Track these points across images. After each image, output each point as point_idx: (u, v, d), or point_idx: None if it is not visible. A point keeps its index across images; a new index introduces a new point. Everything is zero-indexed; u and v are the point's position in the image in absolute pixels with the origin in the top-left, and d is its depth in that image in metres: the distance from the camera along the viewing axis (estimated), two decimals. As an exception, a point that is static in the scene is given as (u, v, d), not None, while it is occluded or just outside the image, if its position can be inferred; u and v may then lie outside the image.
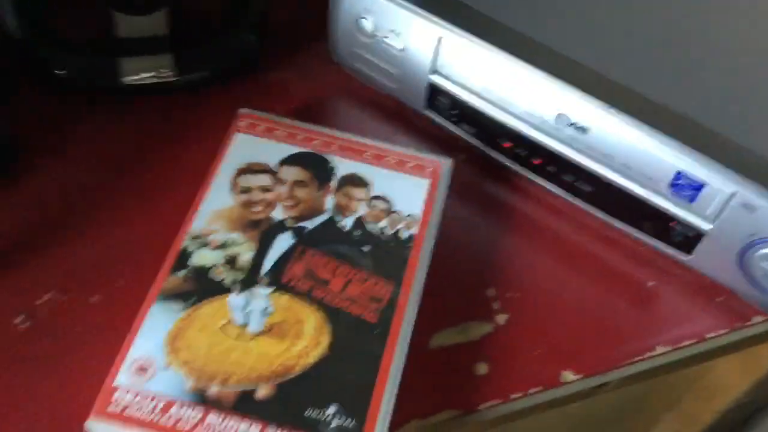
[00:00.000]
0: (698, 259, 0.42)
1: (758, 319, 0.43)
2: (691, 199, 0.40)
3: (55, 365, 0.39)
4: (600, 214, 0.45)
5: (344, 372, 0.37)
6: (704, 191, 0.39)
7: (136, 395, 0.35)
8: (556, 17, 0.45)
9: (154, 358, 0.37)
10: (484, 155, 0.48)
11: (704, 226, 0.41)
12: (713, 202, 0.39)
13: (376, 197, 0.44)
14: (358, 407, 0.36)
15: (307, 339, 0.38)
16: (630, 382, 0.45)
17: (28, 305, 0.41)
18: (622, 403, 0.67)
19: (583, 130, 0.42)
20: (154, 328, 0.38)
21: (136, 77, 0.50)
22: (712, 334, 0.43)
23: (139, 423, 0.35)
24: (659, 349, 0.42)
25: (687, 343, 0.42)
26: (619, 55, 0.43)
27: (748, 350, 0.60)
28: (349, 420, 0.35)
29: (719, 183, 0.39)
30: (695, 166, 0.39)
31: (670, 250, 0.43)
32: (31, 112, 0.50)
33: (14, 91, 0.51)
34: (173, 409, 0.35)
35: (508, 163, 0.48)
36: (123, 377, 0.36)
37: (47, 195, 0.46)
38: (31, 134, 0.49)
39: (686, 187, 0.40)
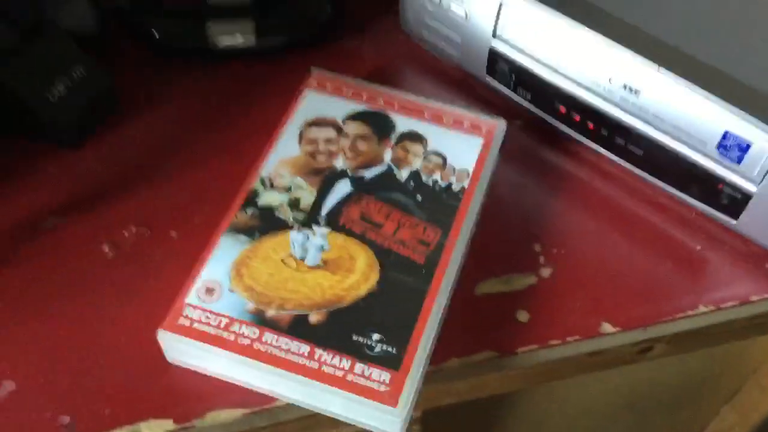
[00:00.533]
0: (746, 223, 0.43)
1: (807, 286, 0.43)
2: (738, 161, 0.41)
3: (135, 289, 0.44)
4: (651, 179, 0.46)
5: (390, 306, 0.40)
6: (751, 152, 0.40)
7: (203, 312, 0.40)
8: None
9: (221, 282, 0.41)
10: (540, 121, 0.50)
11: (751, 187, 0.41)
12: (759, 163, 0.40)
13: (432, 152, 0.47)
14: (401, 338, 0.39)
15: (358, 274, 0.41)
16: (676, 349, 0.46)
17: (115, 236, 0.46)
18: (680, 391, 0.67)
19: (635, 91, 0.43)
20: (223, 257, 0.42)
21: (221, 41, 0.55)
22: (757, 297, 0.43)
23: (204, 336, 0.39)
24: (702, 308, 0.43)
25: (730, 304, 0.43)
26: (671, 18, 0.44)
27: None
28: (392, 348, 0.38)
29: (765, 142, 0.39)
30: (742, 126, 0.40)
31: (719, 214, 0.44)
32: (130, 71, 0.56)
33: (117, 51, 0.57)
34: (234, 326, 0.39)
35: (564, 128, 0.49)
36: (192, 296, 0.40)
37: (135, 142, 0.51)
38: (129, 90, 0.54)
39: (733, 148, 0.41)
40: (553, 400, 0.63)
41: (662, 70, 0.41)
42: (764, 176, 0.40)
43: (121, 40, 0.57)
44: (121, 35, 0.57)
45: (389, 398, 0.37)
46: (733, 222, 0.43)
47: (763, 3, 0.45)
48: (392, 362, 0.38)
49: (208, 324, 0.39)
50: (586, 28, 0.43)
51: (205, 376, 0.40)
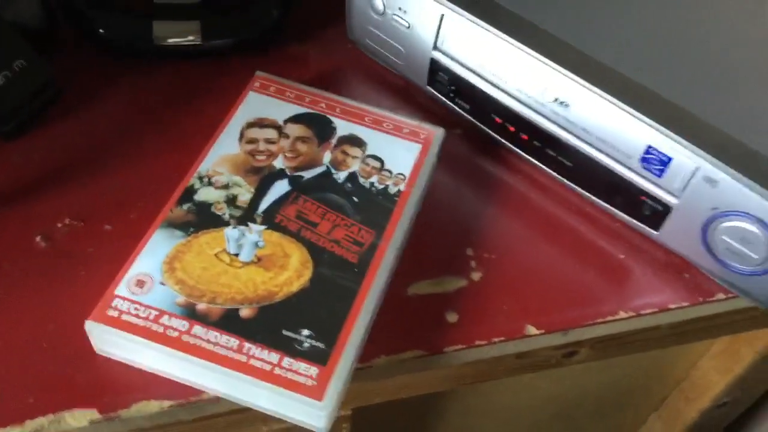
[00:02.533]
0: (666, 234, 0.45)
1: (721, 296, 0.46)
2: (660, 174, 0.43)
3: (65, 280, 0.44)
4: (579, 189, 0.48)
5: (322, 303, 0.41)
6: (671, 166, 0.42)
7: (133, 304, 0.40)
8: (553, 2, 0.49)
9: (152, 275, 0.41)
10: (478, 131, 0.52)
11: (671, 200, 0.43)
12: (679, 177, 0.42)
13: (371, 156, 0.48)
14: (330, 334, 0.39)
15: (291, 271, 0.42)
16: (599, 354, 0.48)
17: (49, 228, 0.46)
18: (606, 395, 0.69)
19: (564, 105, 0.45)
20: (156, 250, 0.42)
21: (166, 40, 0.55)
22: (675, 305, 0.45)
23: (132, 328, 0.39)
24: (622, 314, 0.44)
25: (650, 311, 0.45)
26: (603, 37, 0.46)
27: (729, 349, 0.62)
28: (320, 344, 0.39)
29: (684, 157, 0.41)
30: (663, 141, 0.42)
31: (641, 225, 0.46)
32: (75, 66, 0.55)
33: (63, 46, 0.56)
34: (163, 319, 0.39)
35: (499, 138, 0.51)
36: (122, 288, 0.40)
37: (76, 135, 0.51)
38: (72, 84, 0.54)
39: (655, 162, 0.43)
40: (484, 407, 0.65)
41: (590, 85, 0.43)
42: (683, 189, 0.42)
43: (67, 35, 0.57)
44: (67, 30, 0.57)
45: (316, 392, 0.37)
46: (655, 233, 0.45)
47: (689, 23, 0.48)
48: (320, 357, 0.38)
49: (137, 316, 0.39)
50: (521, 44, 0.45)
51: (133, 367, 0.40)
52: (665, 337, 0.48)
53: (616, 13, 0.48)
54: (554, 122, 0.46)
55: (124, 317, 0.39)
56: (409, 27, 0.51)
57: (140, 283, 0.41)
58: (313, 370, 0.38)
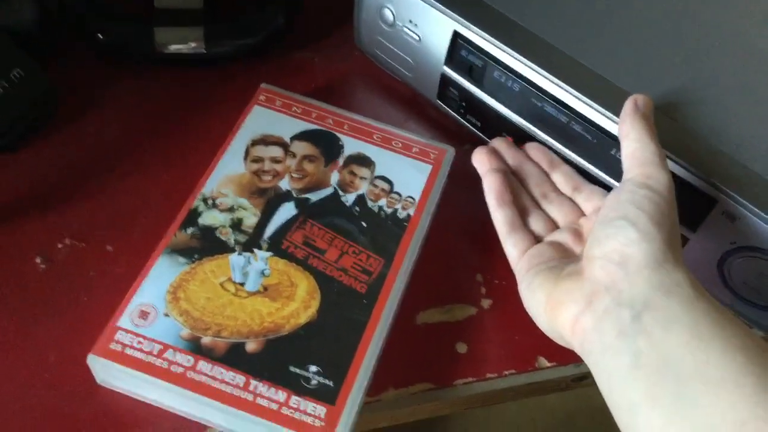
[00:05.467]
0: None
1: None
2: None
3: (67, 305, 0.43)
4: (593, 213, 0.47)
5: (329, 337, 0.40)
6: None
7: (136, 338, 0.39)
8: (566, 20, 0.47)
9: (156, 306, 0.40)
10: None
11: (687, 233, 0.42)
12: (695, 211, 0.41)
13: (379, 177, 0.46)
14: (338, 371, 0.39)
15: (299, 302, 0.41)
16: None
17: (49, 248, 0.45)
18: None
19: (576, 124, 0.44)
20: (159, 278, 0.41)
21: (168, 47, 0.53)
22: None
23: (136, 363, 0.38)
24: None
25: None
26: (616, 56, 0.45)
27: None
28: (328, 381, 0.38)
29: (702, 190, 0.40)
30: (679, 172, 0.40)
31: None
32: (73, 73, 0.54)
33: (60, 52, 0.54)
34: (168, 354, 0.38)
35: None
36: (125, 320, 0.39)
37: (75, 149, 0.50)
38: (70, 93, 0.52)
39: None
40: (490, 419, 0.64)
41: (604, 110, 0.42)
42: (701, 223, 0.41)
43: (64, 40, 0.55)
44: (63, 35, 0.55)
45: (323, 433, 0.37)
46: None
47: (709, 49, 0.46)
48: (328, 396, 0.37)
49: (141, 350, 0.38)
50: (533, 63, 0.44)
51: (137, 400, 0.39)
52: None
53: (636, 36, 0.46)
54: (567, 141, 0.45)
55: (128, 351, 0.38)
56: (419, 40, 0.49)
57: (143, 314, 0.40)
58: (321, 410, 0.37)
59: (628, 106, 0.39)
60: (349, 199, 0.45)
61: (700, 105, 0.43)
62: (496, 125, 0.48)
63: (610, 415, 0.32)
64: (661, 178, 0.36)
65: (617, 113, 0.40)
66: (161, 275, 0.41)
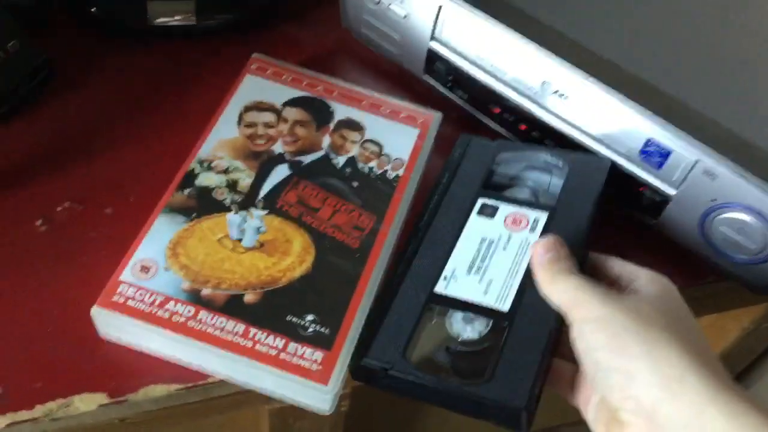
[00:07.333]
0: (664, 223, 0.46)
1: (711, 279, 0.47)
2: (659, 166, 0.44)
3: (68, 264, 0.44)
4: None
5: (324, 288, 0.41)
6: (671, 158, 0.43)
7: (138, 290, 0.40)
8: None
9: (156, 261, 0.41)
10: (474, 119, 0.52)
11: (670, 191, 0.44)
12: (678, 169, 0.43)
13: (369, 140, 0.48)
14: (333, 319, 0.40)
15: (294, 256, 0.42)
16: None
17: (48, 211, 0.46)
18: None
19: (564, 97, 0.46)
20: (159, 236, 0.42)
21: (160, 19, 0.54)
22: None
23: (138, 313, 0.39)
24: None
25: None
26: (603, 30, 0.47)
27: (715, 324, 0.64)
28: (324, 329, 0.40)
29: (684, 150, 0.42)
30: (663, 134, 0.42)
31: (640, 215, 0.47)
32: (68, 45, 0.55)
33: (51, 26, 0.56)
34: (169, 305, 0.40)
35: (496, 127, 0.51)
36: (127, 274, 0.41)
37: (71, 117, 0.51)
38: (65, 64, 0.53)
39: (654, 154, 0.43)
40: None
41: (589, 78, 0.44)
42: (682, 181, 0.43)
43: (58, 13, 0.56)
44: (57, 8, 0.56)
45: (321, 376, 0.38)
46: (653, 221, 0.46)
47: (687, 15, 0.48)
48: (325, 342, 0.39)
49: (143, 301, 0.40)
50: (520, 35, 0.45)
51: (139, 352, 0.41)
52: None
53: (615, 4, 0.49)
54: (553, 114, 0.47)
55: (130, 303, 0.40)
56: (406, 17, 0.50)
57: (144, 269, 0.41)
58: (318, 355, 0.39)
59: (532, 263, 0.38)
60: (340, 161, 0.47)
61: (678, 68, 0.45)
62: (483, 98, 0.50)
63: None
64: (594, 310, 0.35)
65: (608, 85, 0.42)
66: (160, 233, 0.42)
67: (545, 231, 0.42)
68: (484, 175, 0.45)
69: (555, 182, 0.45)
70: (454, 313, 0.40)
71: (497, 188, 0.45)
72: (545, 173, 0.46)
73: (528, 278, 0.39)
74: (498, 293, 0.40)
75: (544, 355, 0.37)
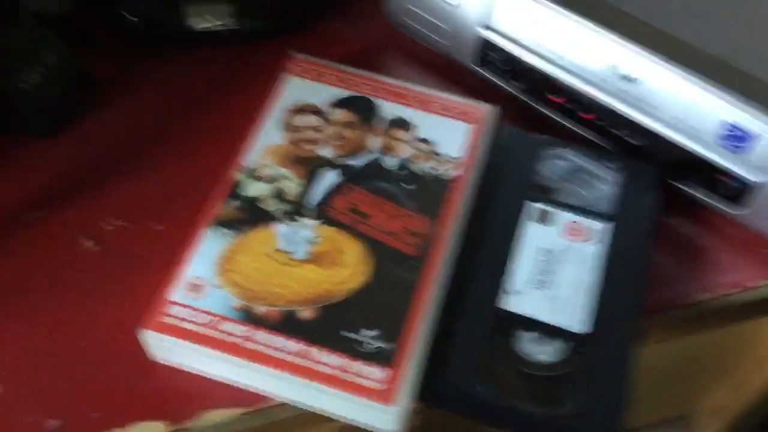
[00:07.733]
0: (747, 212, 0.42)
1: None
2: (740, 152, 0.40)
3: (118, 283, 0.42)
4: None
5: (382, 300, 0.39)
6: (754, 143, 0.39)
7: (188, 310, 0.38)
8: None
9: (206, 278, 0.39)
10: (529, 111, 0.49)
11: (754, 178, 0.40)
12: (763, 154, 0.39)
13: (421, 139, 0.46)
14: (393, 333, 0.38)
15: (349, 268, 0.40)
16: (671, 336, 0.46)
17: (98, 230, 0.45)
18: (673, 366, 0.67)
19: (633, 81, 0.42)
20: (206, 251, 0.40)
21: (199, 24, 0.53)
22: (753, 284, 0.43)
23: (190, 335, 0.38)
24: (699, 296, 0.42)
25: (728, 291, 0.42)
26: (670, 7, 0.43)
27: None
28: (386, 344, 0.37)
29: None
30: (746, 117, 0.39)
31: (720, 204, 0.43)
32: (102, 55, 0.53)
33: (87, 34, 0.54)
34: (221, 325, 0.38)
35: (558, 117, 0.48)
36: (176, 293, 0.39)
37: (115, 131, 0.50)
38: (103, 76, 0.52)
39: (735, 139, 0.40)
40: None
41: (661, 59, 0.40)
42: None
43: (90, 22, 0.55)
44: (89, 16, 0.54)
45: (385, 396, 0.36)
46: (733, 212, 0.43)
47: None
48: (387, 359, 0.37)
49: (194, 322, 0.38)
50: (583, 18, 0.42)
51: (191, 374, 0.39)
52: (741, 313, 0.45)
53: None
54: (623, 100, 0.43)
55: (181, 324, 0.38)
56: (457, 5, 0.47)
57: (194, 288, 0.39)
58: (382, 373, 0.36)
59: None
60: (391, 162, 0.45)
61: (759, 47, 0.42)
62: (543, 87, 0.47)
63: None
64: None
65: (684, 66, 0.39)
66: (208, 249, 0.41)
67: (613, 245, 0.39)
68: (530, 175, 0.42)
69: (603, 188, 0.42)
70: (521, 332, 0.37)
71: (543, 191, 0.43)
72: (592, 177, 0.43)
73: (603, 296, 0.36)
74: (569, 311, 0.37)
75: (628, 382, 0.34)
